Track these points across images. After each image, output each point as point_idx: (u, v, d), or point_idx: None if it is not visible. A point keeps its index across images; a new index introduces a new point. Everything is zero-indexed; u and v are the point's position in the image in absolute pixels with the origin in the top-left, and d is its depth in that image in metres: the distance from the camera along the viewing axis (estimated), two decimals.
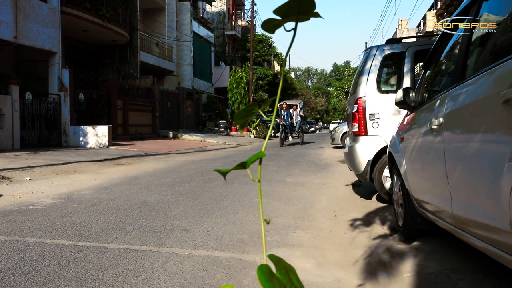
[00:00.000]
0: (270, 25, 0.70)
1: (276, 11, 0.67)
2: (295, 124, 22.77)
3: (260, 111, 0.76)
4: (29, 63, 18.07)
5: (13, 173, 8.78)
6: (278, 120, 20.91)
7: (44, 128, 16.53)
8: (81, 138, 16.99)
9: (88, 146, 16.82)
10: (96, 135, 16.88)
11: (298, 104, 23.86)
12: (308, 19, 0.68)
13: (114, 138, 18.31)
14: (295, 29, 0.69)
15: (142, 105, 24.71)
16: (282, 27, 0.70)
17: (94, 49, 24.56)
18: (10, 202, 6.04)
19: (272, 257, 0.69)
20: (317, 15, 0.67)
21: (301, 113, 23.13)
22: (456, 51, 3.12)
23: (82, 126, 17.25)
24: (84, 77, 20.13)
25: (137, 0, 25.52)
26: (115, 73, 24.88)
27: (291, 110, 22.12)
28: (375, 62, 6.29)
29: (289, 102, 24.34)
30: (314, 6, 0.65)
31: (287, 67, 67.49)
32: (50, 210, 5.52)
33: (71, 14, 18.31)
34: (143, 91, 25.23)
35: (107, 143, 16.78)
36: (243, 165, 0.73)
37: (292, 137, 23.30)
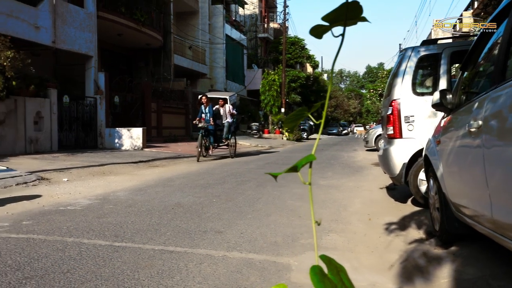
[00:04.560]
0: (318, 31, 0.71)
1: (324, 18, 0.68)
2: (224, 127, 14.96)
3: (309, 115, 0.77)
4: (66, 67, 18.50)
5: (52, 174, 9.00)
6: (196, 121, 14.18)
7: (81, 130, 16.90)
8: (116, 140, 17.29)
9: (123, 148, 17.09)
10: (131, 137, 17.15)
11: (228, 97, 15.61)
12: (356, 23, 0.68)
13: (148, 140, 18.56)
14: (343, 34, 0.69)
15: (175, 108, 24.99)
16: (329, 32, 0.71)
17: (128, 52, 24.97)
18: (49, 203, 6.19)
19: (323, 258, 0.70)
20: (364, 19, 0.67)
21: (233, 111, 15.27)
22: (496, 51, 3.05)
23: (117, 128, 17.55)
24: (119, 80, 20.50)
25: (171, 3, 25.84)
26: (149, 76, 25.25)
27: (217, 106, 14.97)
28: (410, 64, 6.20)
29: (212, 95, 16.35)
30: (361, 11, 0.65)
31: (319, 69, 67.20)
32: (87, 211, 5.64)
33: (106, 18, 18.67)
34: (177, 94, 25.52)
35: (141, 145, 17.02)
36: (294, 169, 0.73)
37: (215, 147, 15.05)
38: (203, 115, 14.09)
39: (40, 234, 4.41)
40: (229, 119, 14.99)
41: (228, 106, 15.15)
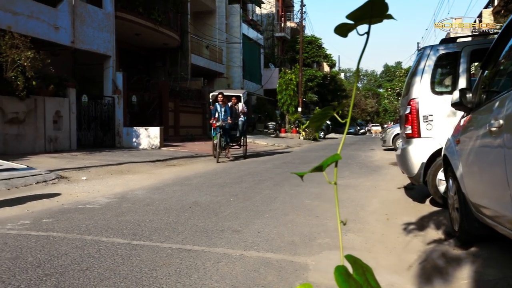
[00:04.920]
0: (343, 29, 0.70)
1: (349, 16, 0.67)
2: (239, 126, 14.49)
3: (335, 114, 0.76)
4: (85, 67, 18.69)
5: (71, 173, 9.10)
6: (212, 120, 13.46)
7: (99, 130, 17.07)
8: (133, 139, 17.41)
9: (141, 147, 17.21)
10: (148, 136, 17.26)
11: (241, 95, 15.11)
12: (381, 21, 0.68)
13: (166, 139, 18.66)
14: (368, 32, 0.69)
15: (192, 107, 25.10)
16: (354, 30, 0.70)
17: (146, 52, 25.13)
18: (68, 201, 6.26)
19: (349, 257, 0.69)
20: (390, 17, 0.67)
21: (245, 109, 14.85)
22: None
23: (134, 127, 17.68)
24: (136, 80, 20.65)
25: (188, 3, 25.94)
26: (166, 76, 25.39)
27: (229, 104, 13.84)
28: (429, 63, 6.13)
29: (228, 92, 15.19)
30: (386, 8, 0.65)
31: (336, 68, 66.93)
32: (105, 209, 5.69)
33: (124, 18, 18.82)
34: (194, 93, 25.62)
35: (159, 144, 17.12)
36: (319, 168, 0.73)
37: (230, 147, 14.45)
38: (218, 114, 13.32)
39: (60, 232, 4.47)
40: (242, 117, 14.56)
41: (242, 104, 14.74)
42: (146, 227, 4.74)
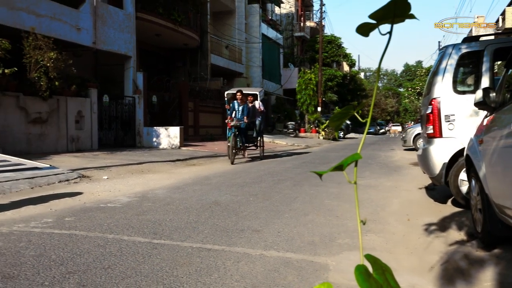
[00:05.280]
0: (365, 29, 0.70)
1: (371, 16, 0.67)
2: (256, 126, 13.88)
3: (355, 114, 0.76)
4: (106, 67, 18.89)
5: (92, 172, 9.21)
6: (227, 120, 12.83)
7: (120, 129, 17.25)
8: (154, 139, 17.54)
9: (161, 146, 17.33)
10: (168, 136, 17.37)
11: (257, 93, 14.37)
12: (403, 21, 0.68)
13: (185, 139, 18.76)
14: (390, 32, 0.68)
15: (212, 107, 25.18)
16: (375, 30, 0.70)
17: (166, 52, 25.30)
18: (90, 200, 6.34)
19: (368, 257, 0.69)
20: (412, 16, 0.66)
21: (262, 108, 14.31)
22: None
23: (155, 127, 17.81)
24: (156, 80, 20.80)
25: (207, 3, 26.03)
26: (186, 76, 25.52)
27: (248, 103, 13.15)
28: (451, 62, 6.06)
29: (244, 91, 13.80)
30: (409, 8, 0.64)
31: (356, 68, 66.52)
32: (126, 208, 5.75)
33: (145, 19, 18.96)
34: (213, 93, 25.70)
35: (178, 144, 17.22)
36: (339, 168, 0.73)
37: (246, 147, 13.71)
38: (235, 113, 12.76)
39: (82, 230, 4.53)
40: (259, 117, 13.96)
41: (258, 103, 14.07)
42: (166, 226, 4.77)
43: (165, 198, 6.58)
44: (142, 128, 17.72)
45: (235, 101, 12.83)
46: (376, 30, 0.71)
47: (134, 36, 17.64)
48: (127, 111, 17.47)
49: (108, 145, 16.37)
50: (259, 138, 14.13)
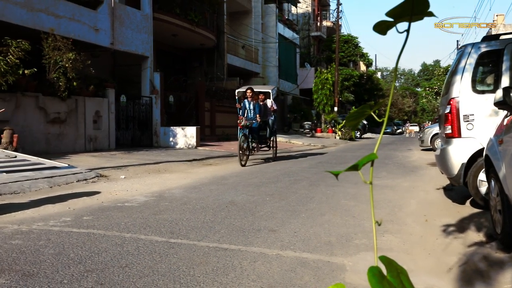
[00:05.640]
0: (383, 27, 0.69)
1: (388, 13, 0.66)
2: (269, 125, 13.14)
3: (372, 113, 0.76)
4: (123, 68, 19.03)
5: (110, 172, 9.29)
6: (239, 120, 12.09)
7: (137, 129, 17.37)
8: (170, 139, 17.63)
9: (177, 146, 17.41)
10: (185, 136, 17.44)
11: (270, 91, 13.71)
12: (422, 18, 0.67)
13: (202, 139, 18.80)
14: (408, 30, 0.68)
15: (228, 107, 25.21)
16: (392, 28, 0.69)
17: (182, 53, 25.40)
18: (108, 199, 6.40)
19: (383, 259, 0.69)
20: (431, 14, 0.66)
21: (274, 106, 13.54)
22: None
23: (171, 127, 17.90)
24: (173, 80, 20.89)
25: (224, 4, 26.09)
26: (203, 76, 25.59)
27: (260, 102, 12.52)
28: (470, 61, 5.99)
29: (256, 89, 13.30)
30: (428, 5, 0.63)
31: (373, 67, 66.09)
32: (143, 208, 5.79)
33: (162, 20, 19.06)
34: (230, 93, 25.69)
35: (195, 143, 17.28)
36: (355, 167, 0.73)
37: (258, 149, 12.89)
38: (247, 112, 12.12)
39: (100, 229, 4.57)
40: (272, 117, 13.24)
41: (270, 101, 13.31)
42: (183, 225, 4.79)
43: (182, 197, 6.61)
44: (159, 128, 17.82)
45: (246, 100, 12.21)
46: (394, 28, 0.70)
47: (151, 37, 17.75)
48: (144, 111, 17.58)
49: (125, 145, 16.49)
50: (272, 138, 13.43)
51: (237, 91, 13.73)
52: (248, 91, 12.18)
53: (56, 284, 3.03)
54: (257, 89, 13.35)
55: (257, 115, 11.94)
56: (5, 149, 9.94)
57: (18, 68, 11.00)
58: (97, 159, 11.38)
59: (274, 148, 13.66)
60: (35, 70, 11.50)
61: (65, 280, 3.10)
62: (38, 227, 4.63)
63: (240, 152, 11.41)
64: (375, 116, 0.79)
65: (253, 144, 12.34)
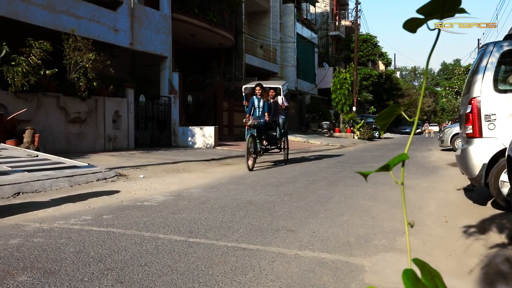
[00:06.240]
0: (413, 24, 0.68)
1: (419, 10, 0.65)
2: (279, 125, 12.01)
3: (402, 113, 0.75)
4: (142, 68, 19.18)
5: (129, 171, 9.36)
6: (246, 119, 11.02)
7: (156, 129, 17.50)
8: (189, 139, 17.71)
9: (196, 146, 17.48)
10: (203, 135, 17.51)
11: (280, 86, 12.32)
12: (453, 15, 0.66)
13: (220, 138, 18.85)
14: (439, 28, 0.67)
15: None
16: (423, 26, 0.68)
17: (201, 52, 25.49)
18: (127, 198, 6.45)
19: (417, 261, 0.68)
20: (463, 11, 0.64)
21: (286, 103, 12.27)
22: None
23: (190, 127, 17.98)
24: (192, 80, 21.01)
25: (242, 3, 26.12)
26: (221, 76, 25.67)
27: (270, 99, 11.68)
28: (492, 60, 5.90)
29: (265, 84, 12.29)
30: (459, 2, 0.62)
31: (392, 67, 65.56)
32: (162, 207, 5.82)
33: (180, 20, 19.16)
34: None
35: (213, 143, 17.34)
36: (386, 168, 0.72)
37: (267, 150, 11.82)
38: (256, 109, 11.22)
39: (119, 228, 4.61)
40: (282, 115, 12.09)
41: (281, 98, 12.16)
42: (202, 225, 4.81)
43: (200, 197, 6.63)
44: (178, 127, 17.91)
45: (255, 97, 11.25)
46: (424, 26, 0.69)
47: (170, 37, 17.86)
48: (163, 111, 17.70)
49: (144, 144, 16.62)
50: (283, 139, 12.24)
51: (244, 87, 12.78)
52: (257, 88, 11.24)
53: (77, 282, 3.06)
54: (266, 84, 12.30)
55: (266, 113, 11.03)
56: (27, 148, 10.09)
57: (39, 69, 11.17)
58: (116, 158, 11.49)
59: (286, 150, 12.51)
60: (56, 70, 11.67)
61: (86, 278, 3.14)
62: (59, 225, 4.69)
63: (248, 155, 10.49)
64: (405, 116, 0.79)
65: (262, 146, 11.34)
